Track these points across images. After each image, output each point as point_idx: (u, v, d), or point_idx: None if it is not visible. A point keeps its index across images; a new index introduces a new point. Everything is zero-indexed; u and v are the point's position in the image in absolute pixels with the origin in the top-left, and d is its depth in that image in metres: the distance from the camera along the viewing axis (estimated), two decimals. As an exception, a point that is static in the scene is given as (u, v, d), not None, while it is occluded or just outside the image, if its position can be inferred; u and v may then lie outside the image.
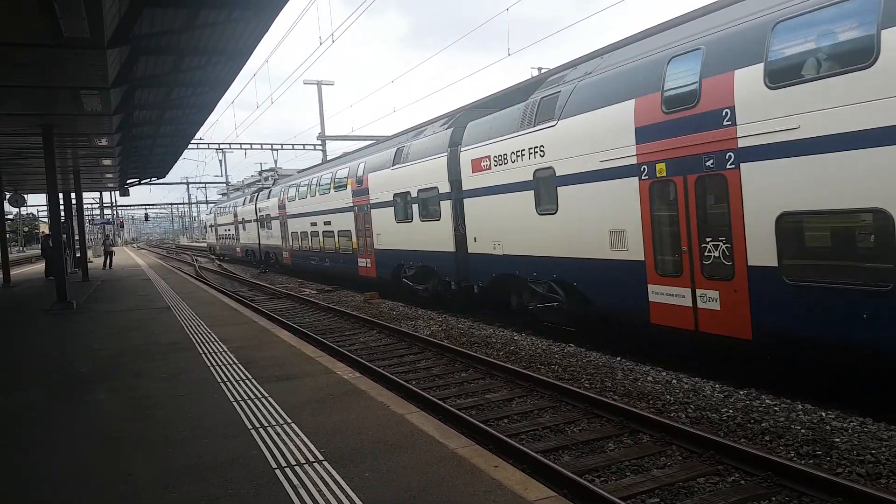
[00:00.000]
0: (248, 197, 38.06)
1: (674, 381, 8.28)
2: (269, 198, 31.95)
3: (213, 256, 50.26)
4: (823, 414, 6.71)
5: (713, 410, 7.09)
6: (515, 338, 11.55)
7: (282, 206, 28.80)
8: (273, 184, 34.62)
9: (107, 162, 21.54)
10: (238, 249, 40.96)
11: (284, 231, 28.63)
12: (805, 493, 5.02)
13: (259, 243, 34.41)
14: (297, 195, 26.72)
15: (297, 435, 5.36)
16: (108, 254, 33.71)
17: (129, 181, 31.23)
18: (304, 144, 45.54)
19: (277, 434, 5.42)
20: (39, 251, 38.44)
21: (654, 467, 5.77)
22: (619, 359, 9.63)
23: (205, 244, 66.30)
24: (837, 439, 6.04)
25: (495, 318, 13.51)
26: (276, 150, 45.45)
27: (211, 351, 9.23)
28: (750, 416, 6.81)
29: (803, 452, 5.89)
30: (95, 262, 35.66)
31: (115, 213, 74.54)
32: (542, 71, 18.14)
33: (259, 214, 33.77)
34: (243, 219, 38.36)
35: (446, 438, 5.12)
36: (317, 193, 23.85)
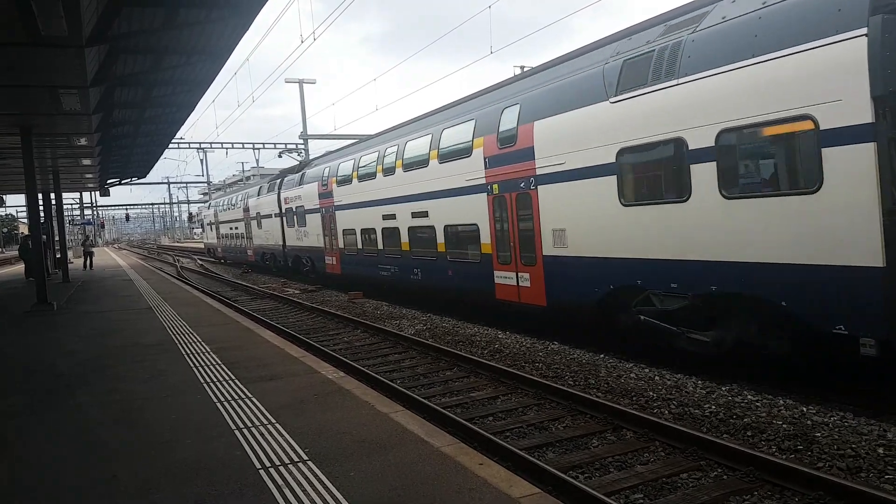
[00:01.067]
0: (267, 185, 29.51)
1: (657, 377, 8.35)
2: (301, 184, 23.65)
3: (212, 261, 42.85)
4: (805, 409, 6.79)
5: (696, 406, 7.16)
6: (500, 336, 11.57)
7: (326, 194, 20.95)
8: (304, 166, 25.42)
9: (87, 162, 21.25)
10: (250, 252, 32.55)
11: (329, 227, 20.98)
12: (786, 488, 5.08)
13: (284, 244, 26.50)
14: (355, 175, 18.67)
15: (282, 435, 5.34)
16: (88, 254, 33.27)
17: (109, 181, 30.86)
18: (285, 143, 45.34)
19: (261, 434, 5.39)
20: (18, 252, 36.44)
21: (637, 463, 5.82)
22: (602, 356, 9.69)
23: (199, 244, 61.78)
24: (818, 434, 6.12)
25: (479, 317, 13.51)
26: (258, 149, 45.24)
27: (193, 352, 9.15)
28: (732, 412, 6.88)
29: (785, 447, 5.96)
30: (76, 262, 35.20)
31: (95, 213, 73.64)
32: (525, 69, 17.84)
33: (285, 207, 25.54)
34: (259, 213, 29.85)
35: (431, 437, 5.12)
36: (397, 170, 15.92)
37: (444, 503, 3.94)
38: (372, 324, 13.27)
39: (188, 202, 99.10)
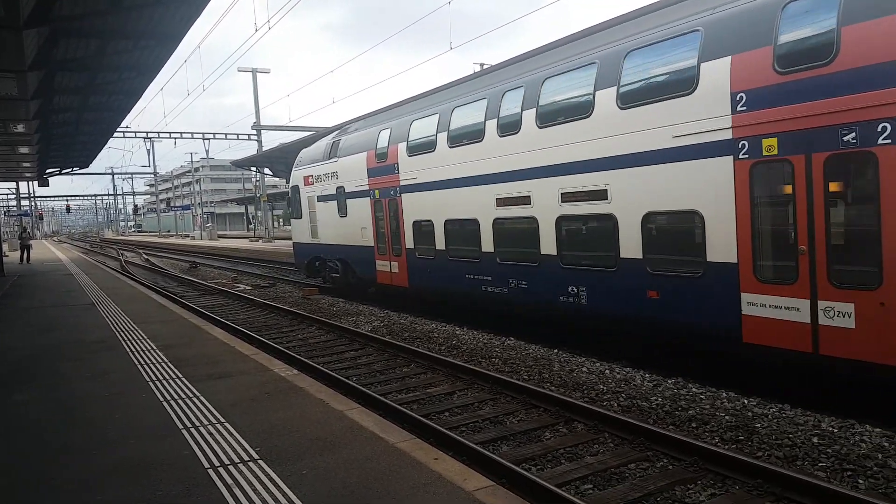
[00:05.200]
0: None
1: (607, 371, 8.54)
2: None
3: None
4: (746, 401, 7.05)
5: (643, 399, 7.35)
6: (457, 332, 11.62)
7: None
8: None
9: (24, 150, 20.32)
10: None
11: None
12: (728, 477, 5.28)
13: None
14: None
15: (231, 434, 5.23)
16: (25, 248, 31.85)
17: (48, 170, 29.58)
18: (237, 134, 44.43)
19: (210, 433, 5.27)
20: None
21: (587, 454, 5.94)
22: (556, 351, 9.84)
23: (146, 238, 55.84)
24: (758, 425, 6.37)
25: (438, 314, 13.53)
26: (209, 139, 44.20)
27: (139, 349, 8.87)
28: (678, 404, 7.09)
29: (727, 438, 6.18)
30: (12, 256, 33.67)
31: (33, 204, 70.56)
32: (485, 66, 18.07)
33: None
34: None
35: (386, 433, 5.11)
36: None
37: (399, 498, 3.94)
38: (327, 321, 13.11)
39: (133, 193, 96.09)
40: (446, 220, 12.63)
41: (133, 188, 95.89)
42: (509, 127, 10.77)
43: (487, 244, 11.52)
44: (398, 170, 13.94)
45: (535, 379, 8.46)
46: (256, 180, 51.08)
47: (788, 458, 5.66)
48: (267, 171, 42.60)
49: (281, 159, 37.35)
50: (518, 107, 10.56)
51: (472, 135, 11.70)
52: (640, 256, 8.53)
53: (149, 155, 59.47)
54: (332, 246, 17.51)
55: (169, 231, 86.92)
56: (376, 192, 14.88)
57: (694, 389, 7.57)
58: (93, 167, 33.63)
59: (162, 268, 30.97)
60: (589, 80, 9.25)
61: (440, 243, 12.85)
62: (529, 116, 10.29)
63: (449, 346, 10.56)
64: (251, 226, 67.81)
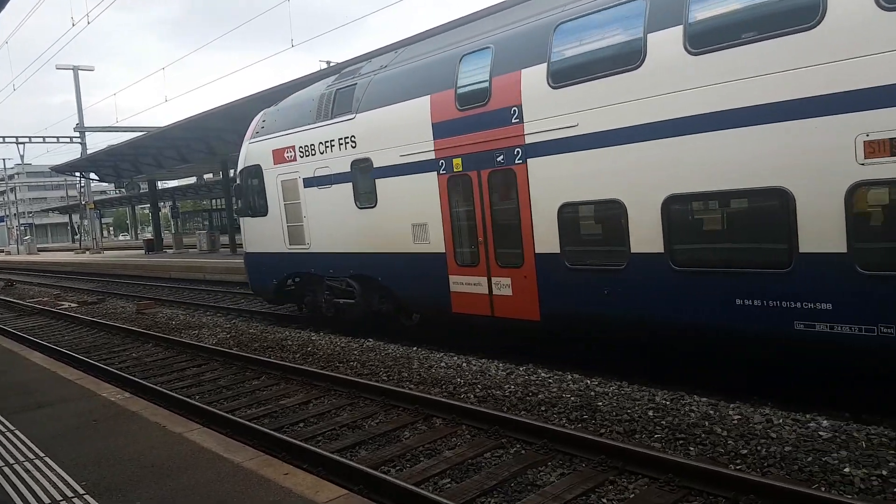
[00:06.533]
0: None
1: (464, 364, 8.70)
2: None
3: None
4: (589, 382, 7.51)
5: (497, 388, 7.58)
6: (313, 338, 11.25)
7: None
8: None
9: None
10: None
11: None
12: (576, 455, 5.55)
13: None
14: None
15: (53, 469, 4.67)
16: None
17: None
18: (57, 137, 40.04)
19: (27, 471, 4.67)
20: None
21: (446, 449, 5.98)
22: (415, 349, 9.87)
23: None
24: (601, 403, 6.79)
25: (291, 320, 13.03)
26: (23, 143, 39.40)
27: (-66, 385, 7.62)
28: (528, 390, 7.39)
29: (573, 418, 6.52)
30: None
31: None
32: (332, 64, 17.62)
33: None
34: None
35: (231, 453, 4.80)
36: None
37: (246, 521, 3.69)
38: (165, 336, 12.13)
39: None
40: (670, 198, 7.00)
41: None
42: None
43: (822, 238, 6.00)
44: (520, 116, 8.27)
45: (394, 379, 8.41)
46: (81, 186, 46.34)
47: (628, 432, 6.06)
48: (93, 175, 38.78)
49: (108, 163, 34.11)
50: None
51: (780, 18, 6.06)
52: None
53: (-52, 161, 51.79)
54: (338, 256, 11.33)
55: (-23, 247, 76.67)
56: (455, 161, 9.18)
57: (543, 374, 7.93)
58: None
59: (-33, 289, 27.04)
60: None
61: (644, 241, 7.26)
62: None
63: (304, 354, 10.21)
64: (77, 236, 61.64)
